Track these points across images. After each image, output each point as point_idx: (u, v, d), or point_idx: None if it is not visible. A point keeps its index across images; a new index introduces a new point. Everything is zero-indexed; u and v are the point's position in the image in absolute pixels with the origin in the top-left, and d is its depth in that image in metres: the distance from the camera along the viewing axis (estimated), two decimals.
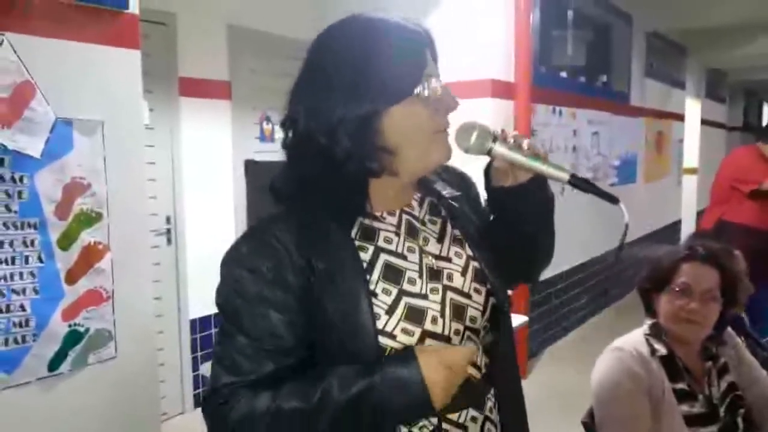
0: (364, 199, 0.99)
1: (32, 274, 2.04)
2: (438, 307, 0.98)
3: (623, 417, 1.64)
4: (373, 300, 0.93)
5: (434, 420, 0.96)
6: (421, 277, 0.99)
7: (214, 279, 0.99)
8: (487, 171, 1.07)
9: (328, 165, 0.94)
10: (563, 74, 4.88)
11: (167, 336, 3.60)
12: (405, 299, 0.95)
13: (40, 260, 2.06)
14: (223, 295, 0.97)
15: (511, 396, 1.10)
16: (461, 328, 0.99)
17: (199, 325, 3.78)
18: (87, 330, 2.18)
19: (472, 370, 0.97)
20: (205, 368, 3.52)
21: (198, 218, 3.72)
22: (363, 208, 0.99)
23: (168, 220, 3.60)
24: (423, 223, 1.05)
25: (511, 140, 0.99)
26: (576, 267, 5.17)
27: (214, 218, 3.81)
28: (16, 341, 2.02)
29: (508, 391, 1.09)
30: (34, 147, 2.01)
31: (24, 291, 2.03)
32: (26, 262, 2.03)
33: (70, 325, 2.13)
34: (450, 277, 1.01)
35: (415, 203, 1.07)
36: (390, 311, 0.93)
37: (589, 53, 5.42)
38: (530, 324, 4.27)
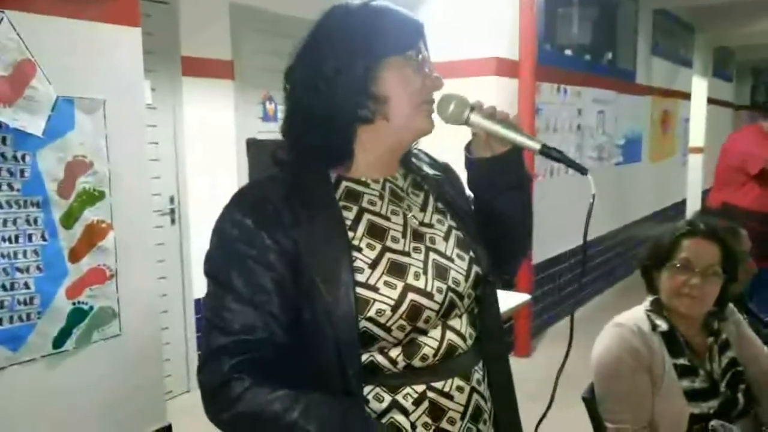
0: (349, 146, 1.03)
1: (36, 252, 2.06)
2: (421, 264, 1.02)
3: (623, 392, 1.64)
4: (357, 254, 0.98)
5: (418, 388, 1.00)
6: (404, 236, 1.04)
7: None
8: (468, 147, 1.13)
9: (319, 116, 1.00)
10: (568, 52, 4.83)
11: (172, 315, 3.62)
12: (388, 255, 1.00)
13: (44, 238, 2.07)
14: (213, 259, 0.99)
15: (497, 370, 1.15)
16: (444, 287, 1.03)
17: None
18: (91, 308, 2.20)
19: None
20: None
21: (201, 198, 3.72)
22: (348, 154, 1.03)
23: (171, 199, 3.60)
24: (407, 193, 1.11)
25: (486, 110, 1.07)
26: (579, 246, 5.15)
27: (217, 198, 3.78)
28: (21, 318, 2.04)
29: (495, 365, 1.14)
30: (35, 125, 2.01)
31: (28, 269, 2.04)
32: (30, 240, 2.04)
33: (74, 303, 2.15)
34: (432, 240, 1.07)
35: (399, 176, 1.11)
36: (373, 265, 0.98)
37: (594, 31, 5.36)
38: (534, 303, 4.27)
